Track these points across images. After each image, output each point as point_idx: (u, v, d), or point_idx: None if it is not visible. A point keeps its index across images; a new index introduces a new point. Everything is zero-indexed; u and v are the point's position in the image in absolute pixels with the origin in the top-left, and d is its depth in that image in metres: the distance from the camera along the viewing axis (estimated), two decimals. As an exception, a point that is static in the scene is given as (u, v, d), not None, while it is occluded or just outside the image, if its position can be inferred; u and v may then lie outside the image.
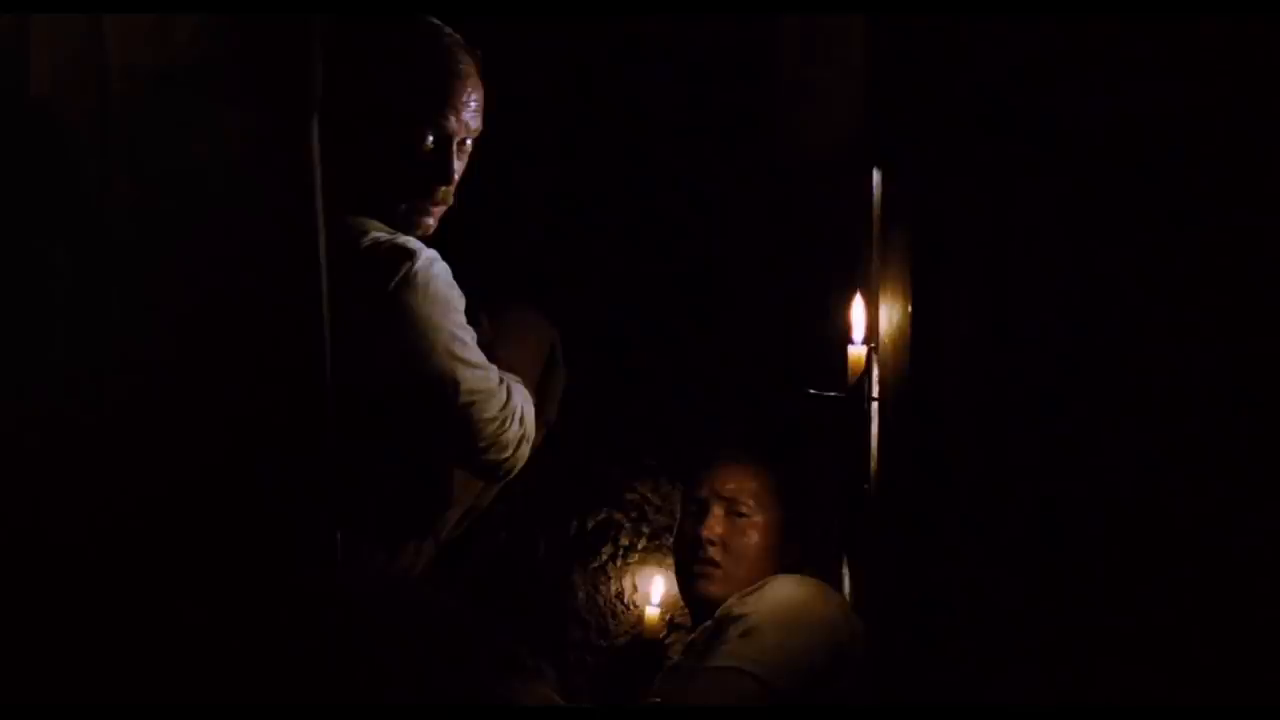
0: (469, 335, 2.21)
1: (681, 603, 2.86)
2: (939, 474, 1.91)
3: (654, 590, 2.96)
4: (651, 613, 2.94)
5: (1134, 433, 1.72)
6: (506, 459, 2.28)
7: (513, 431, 2.26)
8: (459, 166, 2.28)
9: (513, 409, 2.25)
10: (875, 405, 2.34)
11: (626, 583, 3.05)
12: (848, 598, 2.64)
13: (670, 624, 2.97)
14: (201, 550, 1.83)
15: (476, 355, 2.21)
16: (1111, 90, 1.73)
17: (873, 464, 2.33)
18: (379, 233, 2.18)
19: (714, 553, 2.66)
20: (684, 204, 3.01)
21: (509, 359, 2.35)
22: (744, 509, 2.68)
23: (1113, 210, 1.73)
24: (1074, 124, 1.75)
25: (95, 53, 1.81)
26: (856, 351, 2.35)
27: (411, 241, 2.18)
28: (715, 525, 2.67)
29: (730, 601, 2.59)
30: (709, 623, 2.61)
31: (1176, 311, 1.68)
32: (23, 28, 1.82)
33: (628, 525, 3.07)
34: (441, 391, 2.17)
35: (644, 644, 2.95)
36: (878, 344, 2.32)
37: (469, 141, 2.29)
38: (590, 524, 3.07)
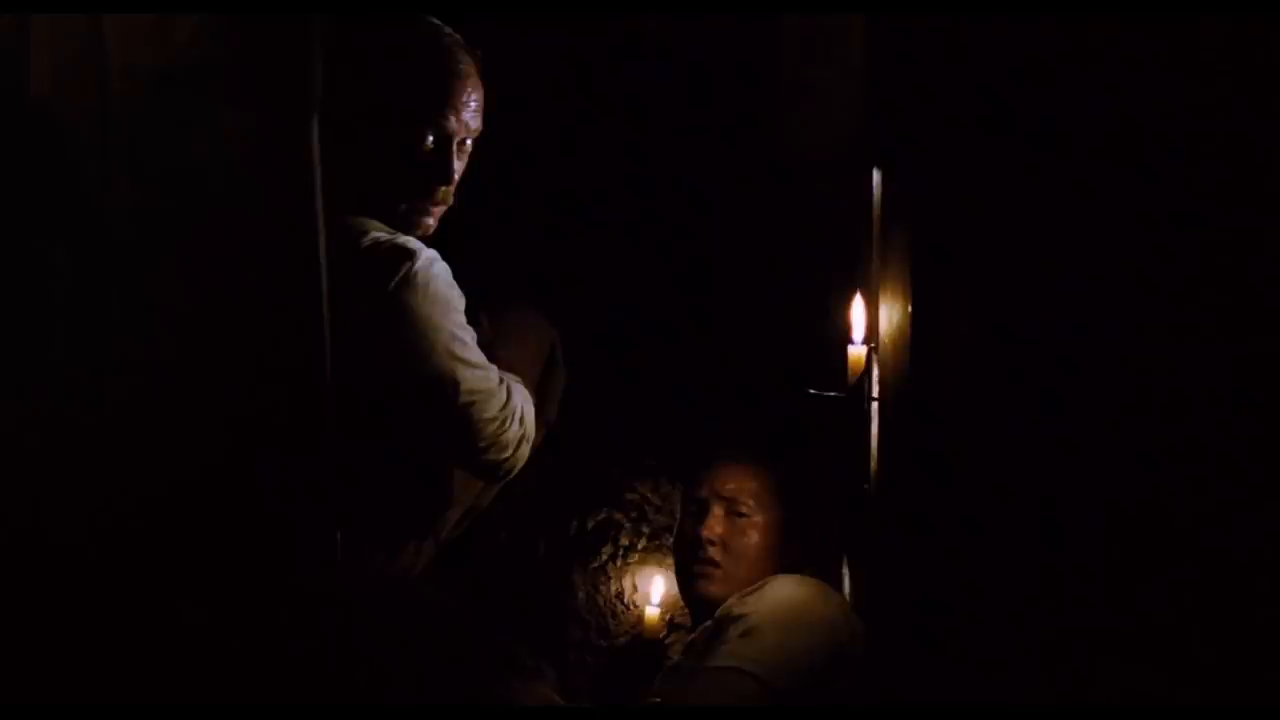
0: (469, 335, 2.21)
1: (681, 603, 2.86)
2: (939, 474, 1.91)
3: (654, 590, 2.96)
4: (651, 613, 2.94)
5: (1134, 433, 1.72)
6: (506, 459, 2.28)
7: (513, 431, 2.26)
8: (459, 166, 2.28)
9: (513, 409, 2.25)
10: (875, 405, 2.34)
11: (626, 583, 3.05)
12: (848, 598, 2.64)
13: (670, 624, 2.97)
14: (201, 550, 1.83)
15: (476, 355, 2.21)
16: (1111, 90, 1.73)
17: (873, 464, 2.33)
18: (379, 233, 2.18)
19: (714, 553, 2.66)
20: (684, 204, 3.01)
21: (509, 359, 2.35)
22: (744, 509, 2.68)
23: (1113, 210, 1.73)
24: (1074, 124, 1.75)
25: (95, 53, 1.81)
26: (856, 351, 2.35)
27: (411, 241, 2.18)
28: (715, 525, 2.67)
29: (730, 601, 2.59)
30: (709, 623, 2.61)
31: (1176, 311, 1.68)
32: (23, 28, 1.82)
33: (628, 525, 3.07)
34: (441, 391, 2.17)
35: (644, 644, 2.95)
36: (878, 344, 2.31)
37: (469, 141, 2.29)
38: (590, 524, 3.07)
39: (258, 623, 1.84)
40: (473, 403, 2.19)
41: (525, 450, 2.32)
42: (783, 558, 2.69)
